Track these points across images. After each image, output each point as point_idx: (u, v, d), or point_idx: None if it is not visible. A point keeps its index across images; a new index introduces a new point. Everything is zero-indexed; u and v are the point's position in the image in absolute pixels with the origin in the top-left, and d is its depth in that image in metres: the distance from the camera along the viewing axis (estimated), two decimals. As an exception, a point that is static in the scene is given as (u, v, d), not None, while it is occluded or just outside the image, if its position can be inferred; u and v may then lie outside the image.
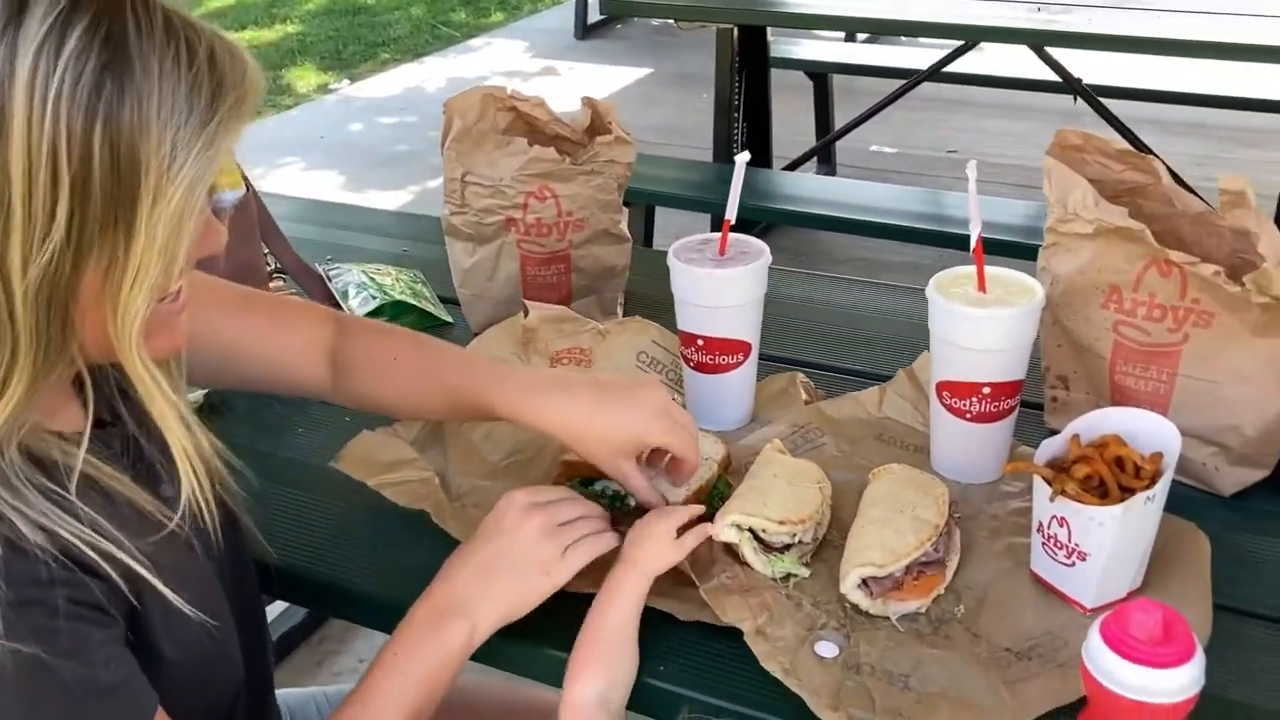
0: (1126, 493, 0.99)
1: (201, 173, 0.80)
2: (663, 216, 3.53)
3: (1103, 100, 3.49)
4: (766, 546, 1.08)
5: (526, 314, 1.42)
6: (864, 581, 1.03)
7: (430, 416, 1.26)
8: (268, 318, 1.18)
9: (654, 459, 1.14)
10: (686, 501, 1.12)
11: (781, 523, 1.07)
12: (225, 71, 0.80)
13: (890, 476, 1.15)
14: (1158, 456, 1.02)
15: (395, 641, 0.97)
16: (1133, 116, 4.16)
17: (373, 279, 1.60)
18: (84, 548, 0.80)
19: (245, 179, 1.45)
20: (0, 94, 0.73)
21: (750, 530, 1.07)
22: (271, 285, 1.60)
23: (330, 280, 1.61)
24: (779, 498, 1.09)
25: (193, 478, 0.87)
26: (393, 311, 1.55)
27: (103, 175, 0.75)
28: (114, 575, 0.81)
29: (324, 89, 6.17)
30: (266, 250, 1.61)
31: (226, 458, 0.95)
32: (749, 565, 1.07)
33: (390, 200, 4.69)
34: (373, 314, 1.54)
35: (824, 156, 4.42)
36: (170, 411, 0.85)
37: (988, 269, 1.17)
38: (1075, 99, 3.47)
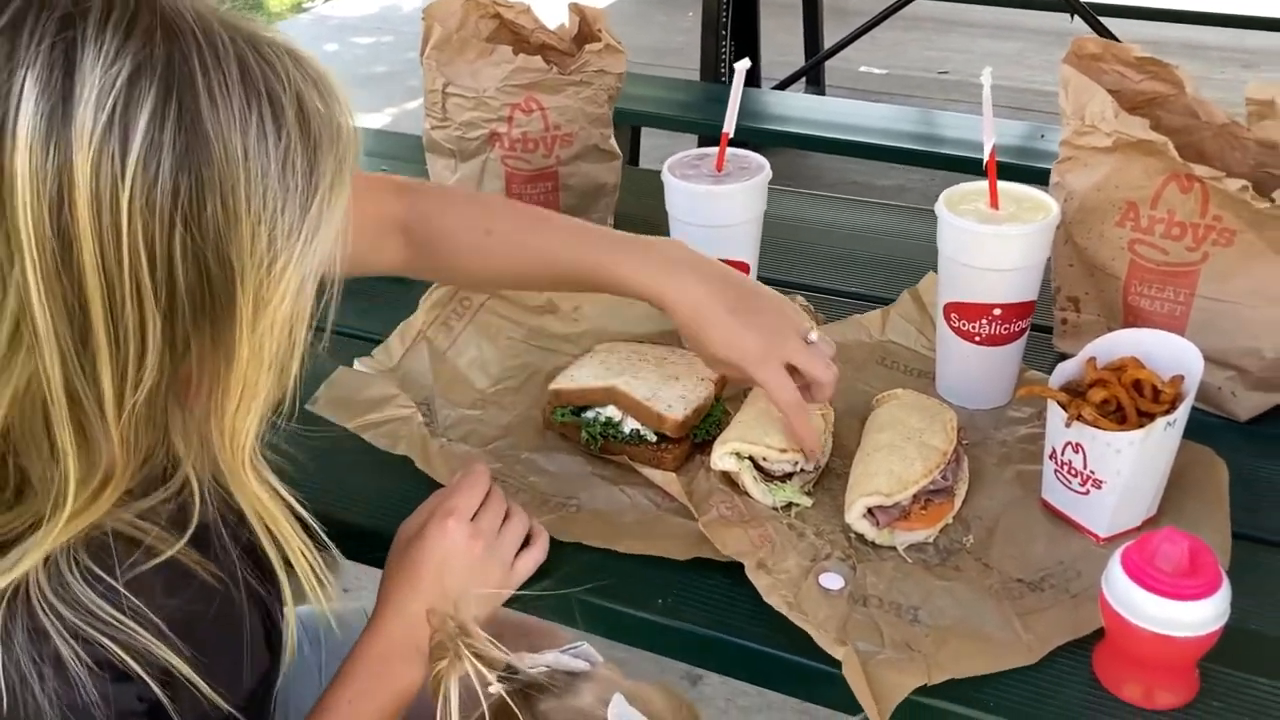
0: (1145, 418, 0.95)
1: (310, 268, 0.67)
2: (646, 138, 3.44)
3: (1100, 19, 3.40)
4: (767, 475, 1.04)
5: None
6: (869, 511, 0.98)
7: (527, 289, 1.24)
8: None
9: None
10: (685, 422, 1.07)
11: (783, 450, 1.02)
12: (319, 130, 0.66)
13: (895, 402, 1.10)
14: (1178, 379, 0.97)
15: (351, 681, 0.89)
16: (1128, 36, 4.07)
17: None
18: (121, 653, 0.70)
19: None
20: (60, 211, 0.60)
21: (750, 458, 1.03)
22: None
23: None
24: (780, 424, 1.04)
25: (313, 582, 0.78)
26: (372, 232, 1.48)
27: (190, 288, 0.63)
28: (146, 678, 0.72)
29: (298, 8, 5.99)
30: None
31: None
32: (748, 495, 1.03)
33: (368, 122, 4.57)
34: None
35: (813, 77, 4.31)
36: (284, 522, 0.76)
37: (999, 184, 1.11)
38: (1072, 17, 3.38)
